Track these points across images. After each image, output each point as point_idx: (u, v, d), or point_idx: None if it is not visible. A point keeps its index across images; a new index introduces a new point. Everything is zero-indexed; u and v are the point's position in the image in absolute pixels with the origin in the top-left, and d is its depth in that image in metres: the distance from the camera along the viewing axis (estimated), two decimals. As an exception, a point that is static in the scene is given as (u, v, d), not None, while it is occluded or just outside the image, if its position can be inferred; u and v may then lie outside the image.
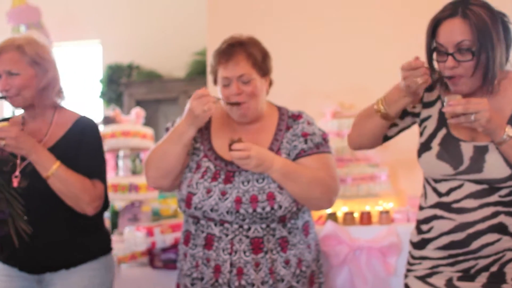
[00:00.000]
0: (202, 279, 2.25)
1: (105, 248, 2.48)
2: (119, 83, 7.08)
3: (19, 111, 2.51)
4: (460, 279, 1.94)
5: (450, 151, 1.93)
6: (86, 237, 2.39)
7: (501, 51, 1.86)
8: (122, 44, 7.21)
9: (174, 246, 3.18)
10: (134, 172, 3.90)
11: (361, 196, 3.34)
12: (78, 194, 2.28)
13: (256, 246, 2.22)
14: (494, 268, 1.91)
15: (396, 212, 3.20)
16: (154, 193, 3.82)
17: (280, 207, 2.20)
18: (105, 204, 2.42)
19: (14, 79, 2.32)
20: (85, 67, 7.43)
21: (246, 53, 2.27)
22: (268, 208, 2.19)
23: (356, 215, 3.19)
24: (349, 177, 3.30)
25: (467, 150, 1.91)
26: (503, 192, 1.89)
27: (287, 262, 2.24)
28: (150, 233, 3.13)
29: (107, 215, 3.67)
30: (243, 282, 2.21)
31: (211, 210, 2.22)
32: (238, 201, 2.20)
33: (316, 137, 2.31)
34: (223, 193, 2.22)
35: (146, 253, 3.25)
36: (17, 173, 2.32)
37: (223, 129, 2.37)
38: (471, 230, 1.89)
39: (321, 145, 2.31)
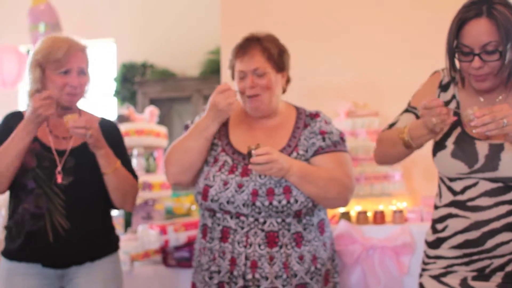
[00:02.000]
0: (219, 272, 2.27)
1: (118, 243, 2.58)
2: (133, 81, 7.10)
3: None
4: (474, 278, 1.94)
5: (465, 149, 1.93)
6: (110, 232, 2.52)
7: None
8: (136, 43, 7.23)
9: (187, 245, 3.19)
10: (148, 170, 3.91)
11: (375, 195, 3.34)
12: (129, 191, 2.43)
13: (271, 240, 2.23)
14: (509, 268, 1.90)
15: (409, 211, 3.19)
16: (167, 192, 3.83)
17: (296, 201, 2.22)
18: None
19: (82, 79, 2.39)
20: (100, 65, 7.46)
21: (262, 47, 2.32)
22: (284, 202, 2.20)
23: (370, 214, 3.19)
24: (363, 176, 3.30)
25: (482, 148, 1.91)
26: None
27: (301, 257, 2.25)
28: (163, 231, 3.14)
29: (121, 213, 3.69)
30: (257, 275, 2.22)
31: (228, 202, 2.24)
32: (255, 193, 2.21)
33: (333, 135, 2.34)
34: (240, 186, 2.23)
35: (159, 251, 3.26)
36: (59, 169, 2.36)
37: (240, 125, 2.41)
38: (486, 229, 1.88)
39: (338, 143, 2.33)
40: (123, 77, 7.13)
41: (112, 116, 3.88)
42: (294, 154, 2.29)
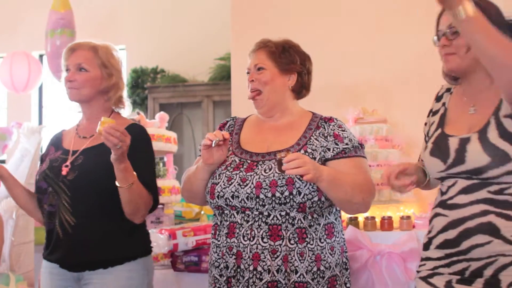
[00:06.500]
0: (227, 267, 2.28)
1: (145, 249, 2.50)
2: (144, 87, 7.15)
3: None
4: (458, 282, 1.94)
5: (440, 146, 2.00)
6: (126, 237, 2.41)
7: None
8: (146, 49, 7.28)
9: (196, 249, 3.21)
10: (158, 175, 3.93)
11: (383, 201, 3.35)
12: (141, 207, 2.36)
13: (275, 233, 2.23)
14: (488, 273, 1.89)
15: (417, 218, 3.20)
16: (177, 196, 3.85)
17: (299, 193, 2.21)
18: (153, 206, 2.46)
19: (82, 74, 2.47)
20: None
21: (265, 46, 2.43)
22: (286, 193, 2.20)
23: (377, 220, 3.20)
24: (371, 182, 3.30)
25: (453, 143, 1.96)
26: (493, 188, 1.89)
27: (302, 254, 2.24)
28: (172, 235, 3.16)
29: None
30: (259, 268, 2.22)
31: (232, 197, 2.26)
32: (259, 186, 2.22)
33: (353, 141, 2.34)
34: (244, 180, 2.25)
35: (168, 255, 3.28)
36: (67, 163, 2.40)
37: (252, 128, 2.47)
38: (461, 228, 1.90)
39: (358, 149, 2.33)
40: (134, 82, 7.17)
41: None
42: (302, 152, 2.30)
